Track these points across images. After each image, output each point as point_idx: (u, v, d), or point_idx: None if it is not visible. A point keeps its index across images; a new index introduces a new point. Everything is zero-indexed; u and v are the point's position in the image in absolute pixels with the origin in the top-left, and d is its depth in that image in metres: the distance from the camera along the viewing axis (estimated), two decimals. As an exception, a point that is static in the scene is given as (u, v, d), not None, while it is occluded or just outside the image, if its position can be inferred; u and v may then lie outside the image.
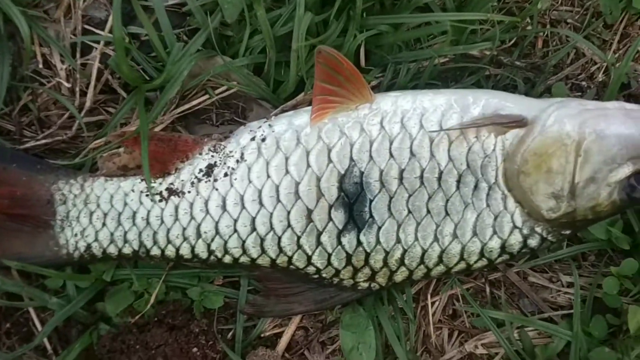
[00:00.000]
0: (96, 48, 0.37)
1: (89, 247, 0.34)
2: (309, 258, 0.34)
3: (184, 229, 0.34)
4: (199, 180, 0.34)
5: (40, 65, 0.38)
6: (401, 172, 0.32)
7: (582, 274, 0.39)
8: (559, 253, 0.38)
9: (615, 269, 0.38)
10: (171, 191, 0.34)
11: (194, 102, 0.38)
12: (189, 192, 0.34)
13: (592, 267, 0.39)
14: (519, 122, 0.33)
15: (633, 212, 0.38)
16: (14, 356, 0.36)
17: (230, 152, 0.34)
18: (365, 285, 0.35)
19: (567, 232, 0.34)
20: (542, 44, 0.41)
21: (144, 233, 0.34)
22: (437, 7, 0.38)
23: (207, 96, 0.37)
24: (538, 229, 0.33)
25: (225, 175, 0.33)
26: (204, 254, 0.34)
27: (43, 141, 0.37)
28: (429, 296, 0.38)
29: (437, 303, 0.38)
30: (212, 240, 0.34)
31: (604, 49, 0.41)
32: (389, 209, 0.33)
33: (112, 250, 0.34)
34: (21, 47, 0.37)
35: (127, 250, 0.34)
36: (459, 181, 0.32)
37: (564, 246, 0.39)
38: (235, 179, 0.33)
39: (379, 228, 0.33)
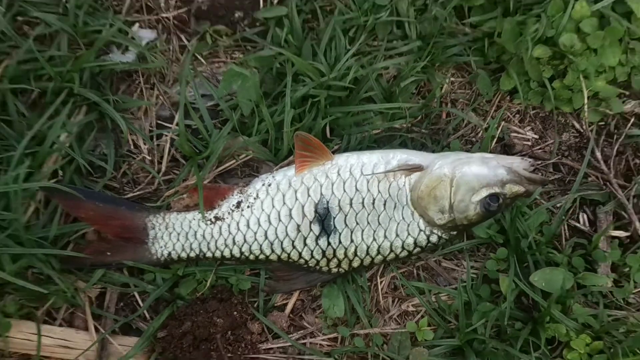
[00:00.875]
0: (166, 135, 0.58)
1: (169, 254, 0.54)
2: (300, 254, 0.53)
3: (225, 240, 0.54)
4: (232, 210, 0.54)
5: (132, 147, 0.59)
6: (350, 200, 0.52)
7: (477, 260, 0.57)
8: (460, 245, 0.56)
9: (494, 255, 0.56)
10: (216, 218, 0.54)
11: (227, 165, 0.58)
12: (227, 218, 0.54)
13: (482, 255, 0.57)
14: (418, 168, 0.52)
15: (503, 217, 0.56)
16: (126, 320, 0.55)
17: (250, 193, 0.54)
18: (335, 270, 0.54)
19: (454, 232, 0.53)
20: (446, 115, 0.61)
21: (202, 244, 0.54)
22: (374, 99, 0.58)
23: (234, 160, 0.58)
24: (435, 231, 0.53)
25: (248, 207, 0.53)
26: (237, 255, 0.54)
27: (137, 193, 0.58)
28: (378, 277, 0.57)
29: (383, 282, 0.57)
30: (242, 246, 0.53)
31: (485, 116, 0.60)
32: (345, 222, 0.52)
33: (183, 255, 0.54)
34: (120, 136, 0.58)
35: (192, 255, 0.54)
36: (384, 204, 0.52)
37: (464, 241, 0.56)
38: (254, 209, 0.53)
39: (340, 234, 0.52)
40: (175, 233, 0.53)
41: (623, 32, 0.55)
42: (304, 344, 0.55)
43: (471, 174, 0.50)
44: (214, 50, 0.61)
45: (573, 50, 0.54)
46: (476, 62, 0.59)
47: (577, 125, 0.59)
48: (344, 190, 0.51)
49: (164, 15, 0.63)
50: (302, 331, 0.55)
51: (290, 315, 0.55)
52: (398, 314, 0.56)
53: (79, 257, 0.53)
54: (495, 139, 0.58)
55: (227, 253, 0.52)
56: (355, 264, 0.52)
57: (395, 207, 0.50)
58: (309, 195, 0.51)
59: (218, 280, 0.56)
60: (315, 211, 0.50)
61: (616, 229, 0.57)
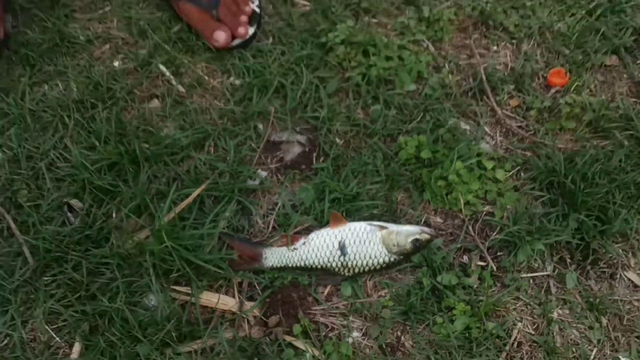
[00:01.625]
0: (272, 216, 1.19)
1: (272, 265, 1.01)
2: (332, 265, 1.05)
3: (299, 259, 1.03)
4: (302, 245, 1.01)
5: (255, 220, 1.20)
6: (355, 239, 1.07)
7: (415, 274, 1.11)
8: (405, 265, 0.99)
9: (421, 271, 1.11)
10: (294, 249, 1.04)
11: (300, 227, 1.17)
12: (299, 248, 0.95)
13: (417, 270, 1.11)
14: (385, 228, 1.10)
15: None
16: (252, 294, 0.99)
17: (310, 238, 0.91)
18: (349, 274, 1.08)
19: (402, 257, 1.10)
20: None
21: (288, 261, 0.97)
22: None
23: (301, 226, 1.16)
24: (393, 256, 1.08)
25: (309, 243, 1.04)
26: (303, 266, 1.01)
27: (259, 239, 1.09)
28: (367, 280, 1.05)
29: (370, 282, 1.10)
30: (306, 261, 1.01)
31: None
32: (353, 249, 1.06)
33: (278, 266, 1.05)
34: (250, 217, 1.17)
35: (283, 265, 1.02)
36: (370, 242, 1.01)
37: (408, 262, 0.99)
38: (312, 244, 0.93)
39: (350, 255, 1.07)
40: (276, 256, 1.11)
41: (480, 174, 1.16)
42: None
43: (405, 229, 1.09)
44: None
45: (455, 182, 1.15)
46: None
47: (462, 216, 1.17)
48: (353, 235, 1.10)
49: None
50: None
51: (327, 299, 1.04)
52: (377, 295, 1.10)
53: (234, 264, 0.98)
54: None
55: (300, 265, 1.10)
56: (357, 271, 1.07)
57: (374, 244, 1.09)
58: (335, 237, 1.09)
59: (294, 278, 0.99)
60: (339, 243, 1.08)
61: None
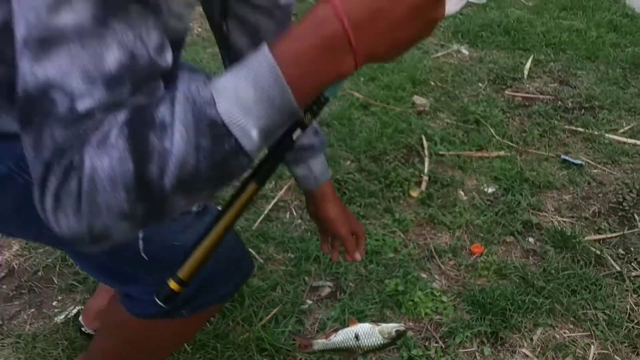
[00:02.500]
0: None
1: (318, 350, 1.90)
2: (351, 347, 1.91)
3: (332, 345, 1.91)
4: (334, 337, 1.93)
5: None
6: (365, 333, 1.92)
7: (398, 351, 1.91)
8: (395, 345, 1.91)
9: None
10: (329, 339, 1.92)
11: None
12: (333, 339, 1.91)
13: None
14: (380, 325, 1.94)
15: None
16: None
17: (335, 335, 1.94)
18: (361, 352, 1.90)
19: (390, 341, 1.91)
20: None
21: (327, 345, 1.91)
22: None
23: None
24: (386, 340, 1.91)
25: (335, 336, 1.92)
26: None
27: (308, 336, 1.96)
28: (373, 355, 1.89)
29: (374, 356, 1.89)
30: (336, 345, 1.90)
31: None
32: (363, 337, 1.91)
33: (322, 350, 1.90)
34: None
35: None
36: (371, 332, 1.92)
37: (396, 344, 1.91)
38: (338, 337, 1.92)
39: (361, 341, 1.91)
40: (319, 344, 1.91)
41: (433, 298, 2.02)
42: None
43: (391, 325, 1.92)
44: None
45: (419, 302, 2.01)
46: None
47: (424, 320, 2.00)
48: (362, 330, 1.92)
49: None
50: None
51: None
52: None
53: (299, 348, 1.89)
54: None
55: (332, 348, 1.88)
56: (366, 350, 1.87)
57: (374, 334, 1.91)
58: (353, 331, 1.91)
59: (330, 357, 1.88)
60: (355, 335, 1.89)
61: None
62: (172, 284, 0.62)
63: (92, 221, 0.55)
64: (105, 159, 0.52)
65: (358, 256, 1.34)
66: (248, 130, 0.52)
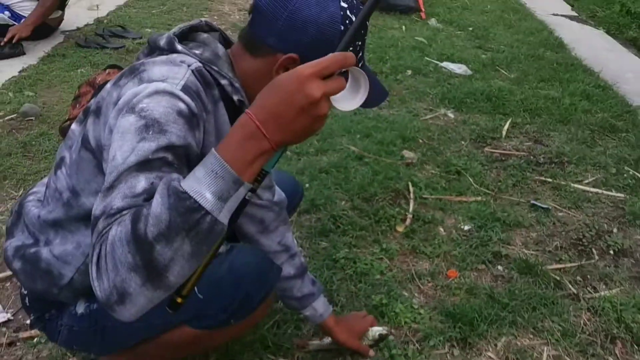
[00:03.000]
0: None
1: None
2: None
3: None
4: None
5: None
6: None
7: None
8: None
9: None
10: None
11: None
12: None
13: None
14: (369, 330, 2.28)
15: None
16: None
17: None
18: None
19: (374, 342, 2.24)
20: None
21: None
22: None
23: None
24: (370, 342, 2.24)
25: None
26: None
27: None
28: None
29: None
30: None
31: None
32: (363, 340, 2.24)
33: None
34: None
35: None
36: (365, 336, 2.25)
37: None
38: None
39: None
40: None
41: (412, 310, 2.37)
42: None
43: (376, 329, 2.24)
44: None
45: (400, 313, 2.35)
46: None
47: (404, 328, 2.32)
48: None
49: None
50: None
51: None
52: None
53: None
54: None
55: None
56: None
57: (366, 337, 2.24)
58: None
59: None
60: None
61: None
62: (178, 299, 0.89)
63: (114, 279, 0.80)
64: (119, 228, 0.82)
65: (371, 352, 1.89)
66: (202, 193, 0.78)
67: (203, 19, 1.22)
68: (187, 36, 1.15)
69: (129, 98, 0.96)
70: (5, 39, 3.62)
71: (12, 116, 3.13)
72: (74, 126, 1.15)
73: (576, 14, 5.93)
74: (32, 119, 3.11)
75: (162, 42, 1.11)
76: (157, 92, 0.96)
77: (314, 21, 1.04)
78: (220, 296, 1.20)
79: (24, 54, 3.86)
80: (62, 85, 3.52)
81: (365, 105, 0.91)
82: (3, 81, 3.49)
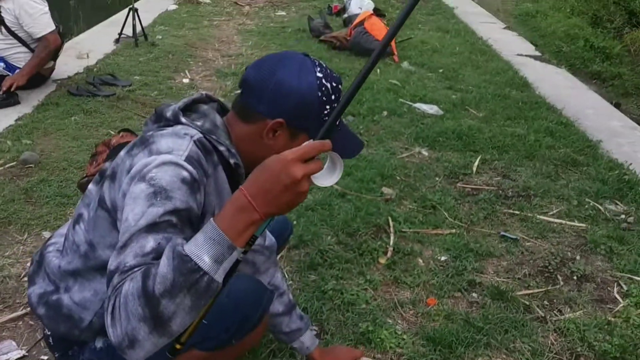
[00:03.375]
0: None
1: None
2: None
3: None
4: None
5: None
6: None
7: None
8: None
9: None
10: None
11: None
12: None
13: None
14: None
15: None
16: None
17: None
18: None
19: None
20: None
21: None
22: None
23: None
24: None
25: None
26: None
27: None
28: None
29: None
30: None
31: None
32: None
33: None
34: None
35: None
36: None
37: None
38: None
39: None
40: None
41: (396, 336, 2.59)
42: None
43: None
44: None
45: (384, 340, 2.56)
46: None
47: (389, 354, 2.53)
48: None
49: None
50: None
51: None
52: None
53: None
54: None
55: None
56: None
57: None
58: None
59: None
60: None
61: None
62: (177, 345, 1.10)
63: (126, 327, 0.93)
64: (131, 284, 0.96)
65: None
66: (201, 256, 0.93)
67: (204, 92, 1.38)
68: (190, 107, 1.31)
69: (140, 168, 1.13)
70: (4, 88, 3.77)
71: (12, 164, 3.25)
72: (91, 186, 1.33)
73: (539, 54, 6.41)
74: (31, 166, 3.24)
75: (169, 114, 1.27)
76: (164, 163, 1.12)
77: (296, 90, 1.22)
78: (222, 319, 1.37)
79: (19, 103, 3.98)
80: (58, 133, 3.69)
81: (345, 157, 1.09)
82: (1, 130, 3.63)
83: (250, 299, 1.43)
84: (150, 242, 1.03)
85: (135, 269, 1.00)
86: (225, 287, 1.45)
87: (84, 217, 1.33)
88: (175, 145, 1.17)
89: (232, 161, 1.27)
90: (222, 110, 1.38)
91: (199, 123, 1.27)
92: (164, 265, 0.94)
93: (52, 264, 1.41)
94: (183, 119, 1.26)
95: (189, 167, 1.15)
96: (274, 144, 1.25)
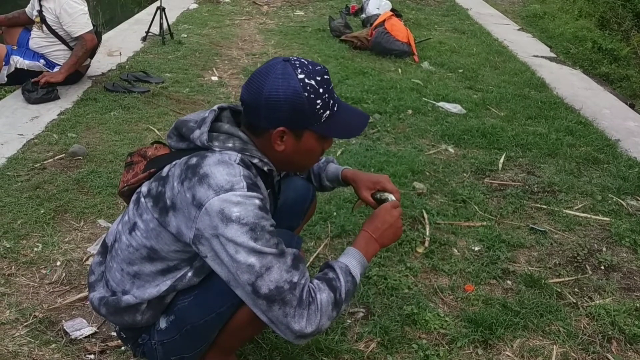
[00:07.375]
0: None
1: None
2: None
3: None
4: None
5: None
6: None
7: None
8: None
9: None
10: None
11: None
12: None
13: None
14: None
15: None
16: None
17: None
18: None
19: None
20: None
21: None
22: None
23: None
24: None
25: None
26: None
27: None
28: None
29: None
30: None
31: None
32: None
33: None
34: None
35: None
36: None
37: None
38: None
39: None
40: None
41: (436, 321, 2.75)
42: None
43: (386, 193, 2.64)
44: None
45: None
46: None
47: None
48: None
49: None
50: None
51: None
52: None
53: None
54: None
55: None
56: None
57: None
58: None
59: None
60: None
61: None
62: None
63: (318, 323, 1.48)
64: (324, 294, 1.50)
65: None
66: (357, 274, 1.61)
67: (215, 107, 1.53)
68: (212, 127, 1.46)
69: (217, 211, 1.37)
70: (42, 82, 3.92)
71: (61, 156, 3.40)
72: (144, 200, 1.49)
73: (554, 55, 6.56)
74: (79, 158, 3.39)
75: (197, 141, 1.46)
76: (239, 203, 1.36)
77: (284, 100, 1.39)
78: (296, 205, 2.11)
79: (58, 98, 4.14)
80: (100, 127, 3.85)
81: (354, 132, 1.59)
82: (46, 123, 3.79)
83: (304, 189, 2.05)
84: (288, 259, 1.46)
85: (302, 281, 1.47)
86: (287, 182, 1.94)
87: (139, 227, 1.49)
88: (232, 178, 1.38)
89: (266, 168, 1.52)
90: (233, 114, 1.56)
91: (230, 144, 1.45)
92: (346, 283, 1.58)
93: (112, 270, 1.59)
94: (217, 147, 1.44)
95: (255, 194, 1.40)
96: (285, 147, 1.49)
